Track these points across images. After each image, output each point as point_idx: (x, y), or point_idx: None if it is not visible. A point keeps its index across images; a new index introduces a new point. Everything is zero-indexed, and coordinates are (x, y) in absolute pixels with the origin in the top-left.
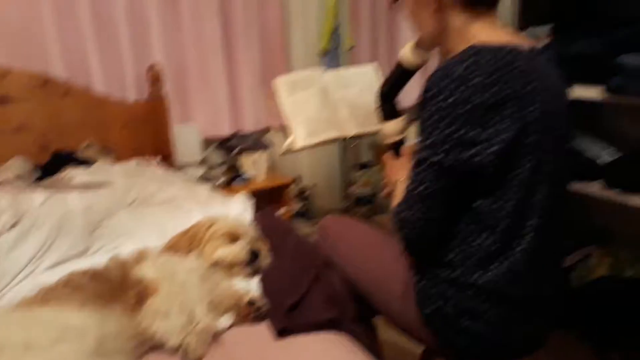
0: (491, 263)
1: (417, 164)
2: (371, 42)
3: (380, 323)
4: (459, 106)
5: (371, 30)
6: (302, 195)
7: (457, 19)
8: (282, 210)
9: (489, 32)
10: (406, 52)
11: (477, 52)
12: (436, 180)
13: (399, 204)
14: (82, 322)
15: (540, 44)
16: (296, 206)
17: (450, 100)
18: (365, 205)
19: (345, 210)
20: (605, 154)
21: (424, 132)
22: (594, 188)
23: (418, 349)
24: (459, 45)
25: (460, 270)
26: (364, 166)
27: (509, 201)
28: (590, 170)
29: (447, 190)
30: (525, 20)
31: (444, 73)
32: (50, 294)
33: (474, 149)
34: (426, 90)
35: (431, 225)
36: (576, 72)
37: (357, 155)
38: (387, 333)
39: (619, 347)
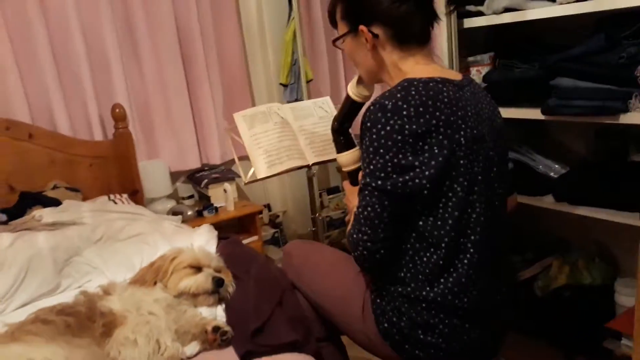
0: (438, 278)
1: (362, 189)
2: (330, 74)
3: (348, 342)
4: (392, 135)
5: (329, 63)
6: (273, 222)
7: (391, 56)
8: (253, 238)
9: (421, 67)
10: (352, 86)
11: (407, 85)
12: (378, 203)
13: (352, 226)
14: (51, 355)
15: (467, 76)
16: (268, 233)
17: (384, 130)
18: (338, 229)
19: (315, 234)
20: (556, 169)
21: (364, 160)
22: (547, 202)
23: None
24: (395, 80)
25: (411, 286)
26: (333, 191)
27: (447, 220)
28: (543, 185)
29: (390, 212)
30: (466, 48)
31: (377, 106)
32: (18, 331)
33: (409, 174)
34: (363, 122)
35: (377, 245)
36: (517, 94)
37: (327, 180)
38: (360, 351)
39: (584, 350)
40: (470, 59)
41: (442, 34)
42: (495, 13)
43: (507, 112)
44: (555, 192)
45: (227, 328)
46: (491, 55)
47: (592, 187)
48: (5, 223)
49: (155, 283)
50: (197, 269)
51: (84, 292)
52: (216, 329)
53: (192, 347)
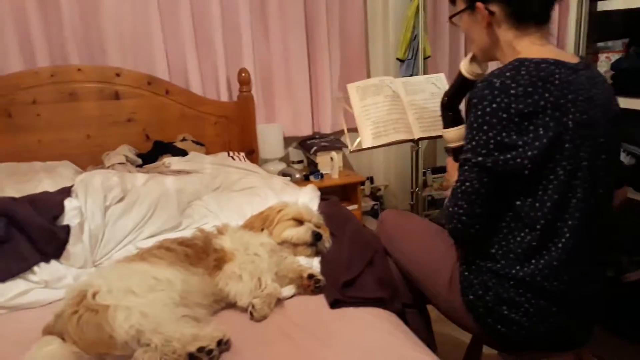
0: (530, 258)
1: (462, 164)
2: (449, 52)
3: (435, 317)
4: (498, 113)
5: (448, 41)
6: (374, 194)
7: (506, 35)
8: (353, 207)
9: (536, 48)
10: (465, 64)
11: (518, 65)
12: (478, 179)
13: (449, 199)
14: (171, 276)
15: (586, 60)
16: (368, 204)
17: (490, 108)
18: (439, 209)
19: (414, 209)
20: None
21: (467, 135)
22: None
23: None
24: (509, 59)
25: (501, 263)
26: (439, 170)
27: (546, 202)
28: None
29: (488, 189)
30: (597, 33)
31: (486, 83)
32: (146, 254)
33: (511, 153)
34: (471, 98)
35: (473, 220)
36: None
37: (434, 159)
38: (441, 326)
39: None
40: (600, 44)
41: (572, 16)
42: None
43: (634, 104)
44: None
45: (321, 277)
46: (625, 41)
47: None
48: (140, 166)
49: (262, 229)
50: (300, 222)
51: (200, 230)
52: (311, 276)
53: (288, 290)
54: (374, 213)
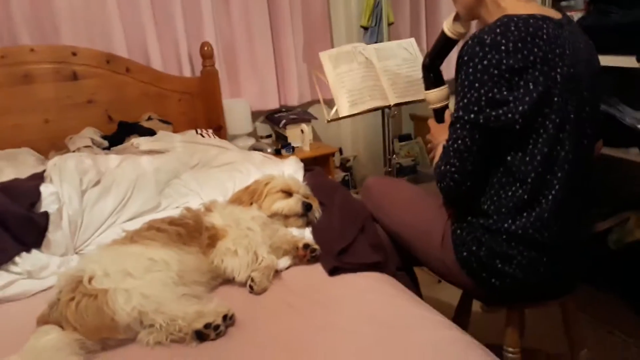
0: (521, 212)
1: (453, 122)
2: (411, 19)
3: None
4: (489, 70)
5: (411, 7)
6: (344, 165)
7: None
8: None
9: (521, 4)
10: (448, 23)
11: (507, 21)
12: (469, 136)
13: (440, 158)
14: (166, 257)
15: (569, 15)
16: (339, 176)
17: (481, 65)
18: (407, 175)
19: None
20: None
21: (459, 93)
22: (631, 153)
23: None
24: (493, 17)
25: (494, 218)
26: (405, 138)
27: (536, 156)
28: (628, 137)
29: (480, 146)
30: None
31: (476, 40)
32: (136, 235)
33: (503, 109)
34: (460, 56)
35: (465, 177)
36: (612, 42)
37: (399, 127)
38: (429, 290)
39: None
40: (564, 3)
41: None
42: None
43: (600, 60)
44: None
45: (316, 246)
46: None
47: None
48: (107, 149)
49: (251, 203)
50: (288, 194)
51: (187, 208)
52: (306, 246)
53: (285, 261)
54: (345, 183)
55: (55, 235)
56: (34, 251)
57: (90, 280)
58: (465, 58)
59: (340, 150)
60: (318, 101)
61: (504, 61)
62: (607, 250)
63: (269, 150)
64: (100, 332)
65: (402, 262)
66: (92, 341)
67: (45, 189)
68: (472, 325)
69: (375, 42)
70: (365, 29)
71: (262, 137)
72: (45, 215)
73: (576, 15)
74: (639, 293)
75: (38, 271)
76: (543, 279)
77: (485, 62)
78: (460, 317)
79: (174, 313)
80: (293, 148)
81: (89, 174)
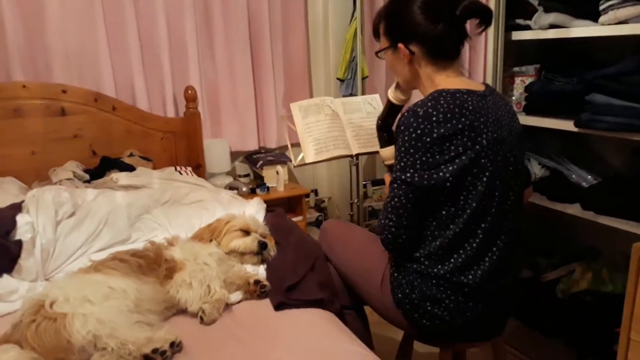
0: (449, 258)
1: (392, 182)
2: (387, 72)
3: (373, 320)
4: (422, 138)
5: (385, 62)
6: (318, 206)
7: (425, 70)
8: (299, 219)
9: (450, 80)
10: (392, 91)
11: (437, 95)
12: (405, 194)
13: (381, 214)
14: (125, 286)
15: (491, 87)
16: (313, 216)
17: (415, 134)
18: (377, 219)
19: (353, 219)
20: (588, 179)
21: (397, 157)
22: (573, 209)
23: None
24: (428, 90)
25: (425, 264)
26: (378, 182)
27: (466, 210)
28: (573, 193)
29: (414, 203)
30: (514, 58)
31: (411, 112)
32: (100, 265)
33: (435, 170)
34: (398, 125)
35: (400, 231)
36: (555, 106)
37: (373, 172)
38: (379, 329)
39: (596, 353)
40: (516, 69)
41: (490, 44)
42: (541, 28)
43: (544, 122)
44: (582, 201)
45: (266, 282)
46: (537, 67)
47: (619, 199)
48: (88, 182)
49: (210, 240)
50: (246, 232)
51: (151, 242)
52: (257, 282)
53: (236, 295)
54: (318, 224)
55: (27, 262)
56: (5, 276)
57: (51, 304)
58: (402, 127)
59: (316, 192)
60: (294, 145)
61: (435, 130)
62: (555, 299)
63: (244, 189)
64: (56, 352)
65: (352, 300)
66: None
67: (21, 218)
68: None
69: (350, 94)
70: (342, 80)
71: (240, 176)
72: (19, 243)
73: (527, 80)
74: (584, 341)
75: (7, 295)
76: (469, 321)
77: (419, 131)
78: (402, 356)
79: (126, 338)
80: (268, 188)
81: (65, 206)
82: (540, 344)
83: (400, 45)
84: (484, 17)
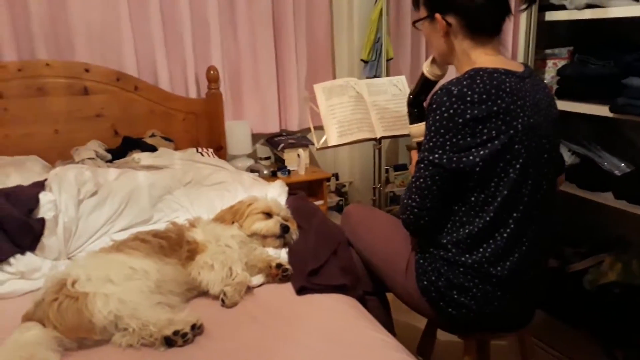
0: (478, 247)
1: (419, 161)
2: (410, 54)
3: (395, 306)
4: (455, 118)
5: (410, 43)
6: (339, 190)
7: (462, 44)
8: (319, 203)
9: (488, 58)
10: (427, 65)
11: (474, 74)
12: (431, 176)
13: (404, 193)
14: (146, 266)
15: (531, 68)
16: (333, 200)
17: (447, 113)
18: (399, 204)
19: (375, 205)
20: (621, 167)
21: (426, 136)
22: (606, 198)
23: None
24: (464, 66)
25: (452, 251)
26: (400, 168)
27: (497, 197)
28: (605, 182)
29: (440, 185)
30: (546, 40)
31: (445, 91)
32: (122, 245)
33: (465, 153)
34: (430, 103)
35: (422, 213)
36: (589, 90)
37: (395, 157)
38: (400, 315)
39: (623, 345)
40: (548, 51)
41: (522, 24)
42: (577, 8)
43: (576, 107)
44: (615, 190)
45: (288, 266)
46: (570, 49)
47: None
48: (110, 161)
49: (232, 222)
50: (269, 215)
51: (173, 223)
52: (279, 265)
53: (258, 279)
54: (339, 208)
55: (49, 240)
56: (29, 254)
57: (73, 283)
58: (434, 106)
59: (337, 176)
60: (316, 128)
61: (469, 111)
62: (582, 290)
63: (265, 172)
64: (77, 331)
65: (374, 287)
66: (70, 340)
67: (44, 196)
68: (438, 353)
69: (374, 76)
70: (366, 62)
71: (261, 159)
72: (42, 221)
73: (560, 63)
74: (610, 333)
75: (30, 272)
76: (497, 311)
77: (451, 111)
78: (425, 344)
79: (147, 319)
80: (289, 171)
81: (87, 185)
82: (565, 335)
83: (438, 15)
84: None
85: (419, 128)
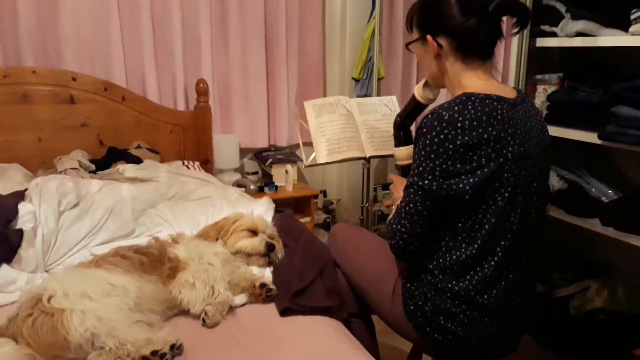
0: (465, 274)
1: (408, 186)
2: (402, 74)
3: (379, 329)
4: (445, 144)
5: (402, 63)
6: (327, 208)
7: (453, 67)
8: (306, 220)
9: (480, 82)
10: (418, 88)
11: (465, 100)
12: (421, 201)
13: (392, 217)
14: (126, 283)
15: (523, 94)
16: (321, 217)
17: (437, 138)
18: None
19: (363, 224)
20: (609, 194)
21: (415, 161)
22: (593, 224)
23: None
24: (455, 90)
25: (439, 277)
26: (388, 186)
27: (484, 225)
28: (592, 208)
29: (429, 212)
30: (537, 66)
31: (435, 115)
32: (101, 260)
33: (455, 179)
34: (420, 127)
35: (412, 238)
36: (578, 117)
37: (384, 176)
38: (385, 338)
39: None
40: (539, 76)
41: (513, 50)
42: (567, 36)
43: (565, 133)
44: (602, 216)
45: (273, 286)
46: (560, 75)
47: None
48: (93, 172)
49: (216, 239)
50: (254, 233)
51: (155, 238)
52: (263, 285)
53: (241, 298)
54: (326, 226)
55: (27, 252)
56: (4, 265)
57: (49, 298)
58: (424, 130)
59: (325, 193)
60: (305, 144)
61: (459, 137)
62: (568, 316)
63: (252, 187)
64: (52, 349)
65: (360, 308)
66: (44, 358)
67: (23, 207)
68: None
69: (365, 95)
70: (357, 80)
71: (248, 174)
72: (19, 232)
73: (550, 89)
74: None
75: (5, 285)
76: (483, 338)
77: (441, 137)
78: None
79: (125, 337)
80: (276, 187)
81: (69, 196)
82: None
83: (429, 37)
84: (520, 16)
85: (404, 151)
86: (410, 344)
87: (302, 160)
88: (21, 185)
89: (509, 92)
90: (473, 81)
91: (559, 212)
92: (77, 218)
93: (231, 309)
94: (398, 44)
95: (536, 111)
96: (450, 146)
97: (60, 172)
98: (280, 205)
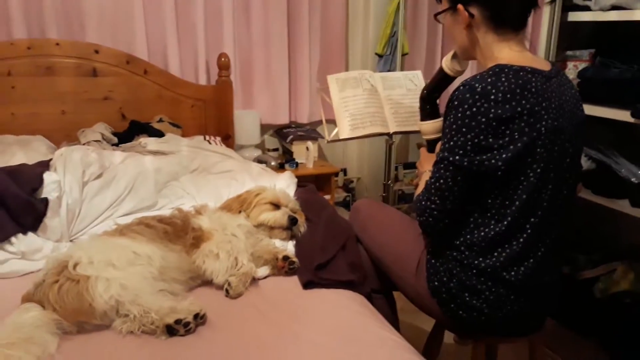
0: (492, 251)
1: (438, 162)
2: (426, 50)
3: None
4: (477, 117)
5: (426, 39)
6: (347, 186)
7: (485, 38)
8: (326, 197)
9: (513, 54)
10: (447, 60)
11: (499, 71)
12: (452, 177)
13: (421, 193)
14: (150, 252)
15: (558, 67)
16: (340, 195)
17: (470, 111)
18: (408, 203)
19: (385, 201)
20: (639, 175)
21: (446, 135)
22: (622, 205)
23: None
24: (487, 61)
25: (465, 254)
26: (410, 166)
27: (515, 201)
28: (621, 189)
29: (460, 187)
30: (567, 41)
31: (467, 87)
32: (126, 229)
33: (487, 155)
34: (451, 100)
35: (443, 215)
36: (610, 94)
37: (405, 155)
38: (406, 316)
39: (632, 356)
40: (569, 52)
41: (544, 24)
42: (602, 9)
43: (597, 111)
44: (632, 197)
45: (295, 259)
46: (591, 52)
47: None
48: (116, 145)
49: (239, 212)
50: (277, 206)
51: (179, 209)
52: (286, 258)
53: (263, 270)
54: (346, 204)
55: (52, 221)
56: (30, 234)
57: (75, 266)
58: (455, 103)
59: (345, 171)
60: (328, 121)
61: (492, 110)
62: (592, 298)
63: (272, 163)
64: (77, 315)
65: (381, 285)
66: (69, 323)
67: (48, 176)
68: (444, 356)
69: (388, 71)
70: (380, 56)
71: (268, 150)
72: (45, 201)
73: (580, 65)
74: (619, 344)
75: (32, 253)
76: (509, 316)
77: (474, 109)
78: (431, 345)
79: (149, 306)
80: (297, 164)
81: (93, 166)
82: (572, 343)
83: (460, 6)
84: None
85: (430, 125)
86: (431, 322)
87: (323, 137)
88: (45, 157)
89: (543, 64)
90: (506, 52)
91: (586, 193)
92: (100, 189)
93: (254, 280)
94: (423, 19)
95: (571, 85)
96: (483, 119)
97: (83, 144)
98: (302, 182)
